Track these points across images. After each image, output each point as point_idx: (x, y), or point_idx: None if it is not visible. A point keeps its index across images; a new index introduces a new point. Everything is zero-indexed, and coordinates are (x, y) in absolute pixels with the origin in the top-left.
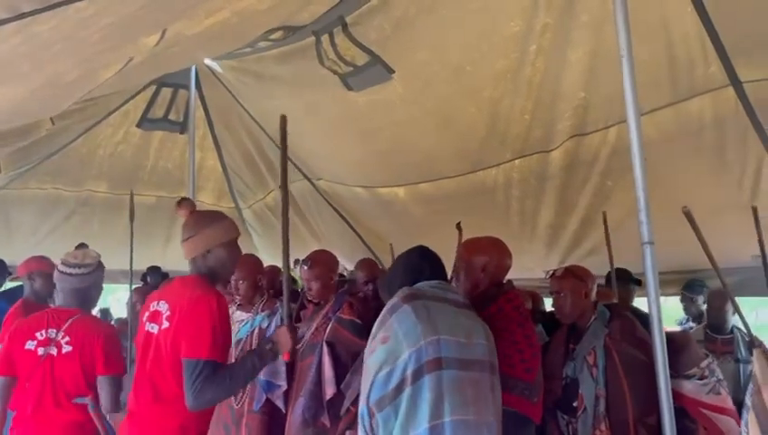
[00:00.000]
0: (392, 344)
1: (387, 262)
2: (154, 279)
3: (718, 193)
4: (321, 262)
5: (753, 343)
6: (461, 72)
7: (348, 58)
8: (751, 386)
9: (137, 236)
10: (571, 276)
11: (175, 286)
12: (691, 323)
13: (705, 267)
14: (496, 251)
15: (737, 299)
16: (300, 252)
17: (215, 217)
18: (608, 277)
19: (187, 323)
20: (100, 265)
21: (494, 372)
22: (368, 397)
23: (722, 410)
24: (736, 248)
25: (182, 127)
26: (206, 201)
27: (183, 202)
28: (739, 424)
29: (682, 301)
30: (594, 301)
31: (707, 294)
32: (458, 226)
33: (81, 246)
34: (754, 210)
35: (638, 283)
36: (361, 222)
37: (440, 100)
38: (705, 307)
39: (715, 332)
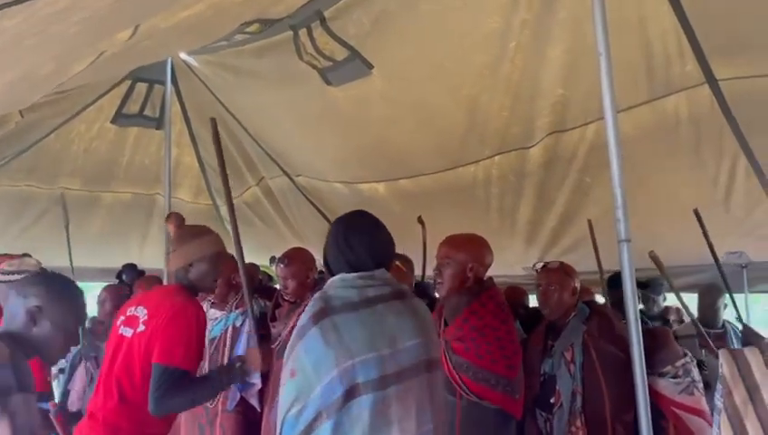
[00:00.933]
0: (300, 380)
1: None
2: (129, 277)
3: (693, 190)
4: (298, 259)
5: (748, 336)
6: (440, 69)
7: (327, 52)
8: (720, 388)
9: (113, 233)
10: (562, 271)
11: (155, 294)
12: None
13: (684, 263)
14: (480, 248)
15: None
16: (279, 249)
17: (199, 231)
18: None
19: (164, 328)
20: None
21: (432, 369)
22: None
23: (694, 411)
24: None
25: (158, 122)
26: (183, 198)
27: (172, 216)
28: (710, 424)
29: (642, 301)
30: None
31: (699, 289)
32: (420, 220)
33: (25, 256)
34: (696, 212)
35: (643, 286)
36: None
37: (419, 96)
38: (664, 306)
39: (706, 326)
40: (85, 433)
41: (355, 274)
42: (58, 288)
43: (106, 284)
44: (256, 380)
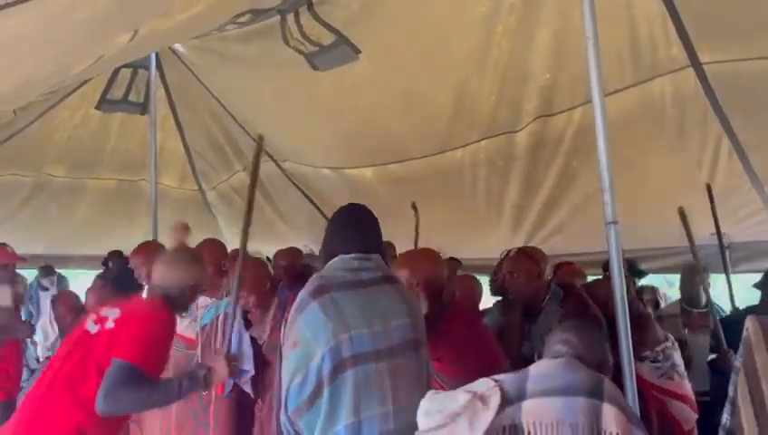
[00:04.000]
0: (303, 348)
1: None
2: (117, 266)
3: (678, 172)
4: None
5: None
6: (428, 53)
7: (313, 38)
8: (741, 348)
9: (99, 220)
10: (525, 257)
11: (132, 301)
12: None
13: (669, 245)
14: (428, 264)
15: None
16: (267, 236)
17: (193, 257)
18: (604, 267)
19: (130, 326)
20: None
21: (419, 347)
22: (285, 407)
23: (675, 396)
24: (695, 226)
25: (143, 108)
26: (169, 184)
27: (181, 227)
28: (694, 409)
29: None
30: (548, 281)
31: (682, 269)
32: (413, 206)
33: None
34: (708, 188)
35: (639, 274)
36: (329, 204)
37: (407, 80)
38: (638, 286)
39: (690, 305)
40: (18, 414)
41: (352, 255)
42: None
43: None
44: (249, 367)
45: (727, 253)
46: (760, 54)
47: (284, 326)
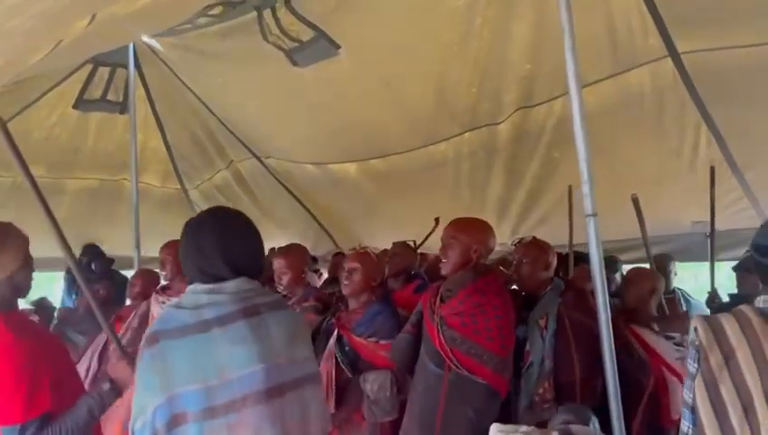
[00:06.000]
0: (139, 395)
1: (341, 240)
2: (99, 266)
3: (658, 162)
4: (293, 254)
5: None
6: (407, 47)
7: (292, 33)
8: (694, 353)
9: (79, 220)
10: (536, 246)
11: None
12: None
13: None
14: (485, 232)
15: (678, 265)
16: None
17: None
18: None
19: None
20: None
21: (281, 394)
22: None
23: (676, 375)
24: (676, 215)
25: (122, 107)
26: (151, 183)
27: None
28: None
29: None
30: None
31: (654, 258)
32: (436, 220)
33: None
34: (712, 170)
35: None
36: (313, 200)
37: (387, 75)
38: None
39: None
40: None
41: (204, 286)
42: None
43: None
44: None
45: (708, 241)
46: (737, 43)
47: None
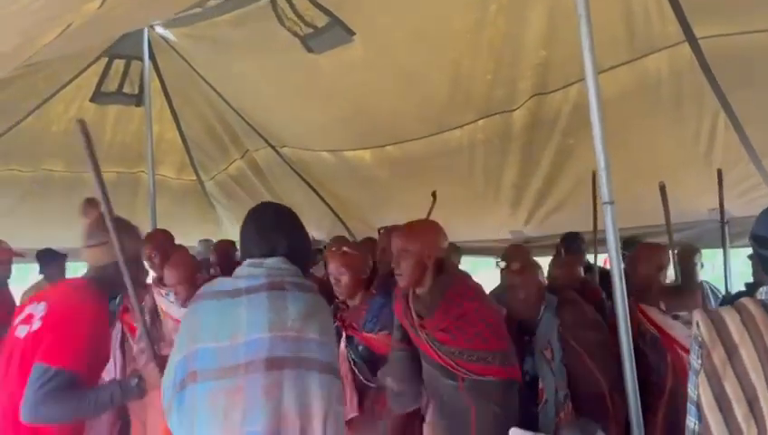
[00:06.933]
0: (172, 353)
1: (355, 229)
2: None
3: (675, 149)
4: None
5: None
6: (422, 34)
7: (308, 19)
8: (697, 348)
9: None
10: (529, 271)
11: (60, 288)
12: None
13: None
14: (434, 235)
15: None
16: None
17: (130, 229)
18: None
19: (54, 325)
20: None
21: (276, 367)
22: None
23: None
24: (693, 202)
25: (138, 99)
26: (167, 175)
27: (90, 203)
28: None
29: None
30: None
31: (678, 250)
32: (433, 194)
33: None
34: (719, 173)
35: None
36: (328, 189)
37: (402, 61)
38: None
39: (683, 287)
40: None
41: (248, 261)
42: None
43: None
44: None
45: (726, 228)
46: (756, 28)
47: None
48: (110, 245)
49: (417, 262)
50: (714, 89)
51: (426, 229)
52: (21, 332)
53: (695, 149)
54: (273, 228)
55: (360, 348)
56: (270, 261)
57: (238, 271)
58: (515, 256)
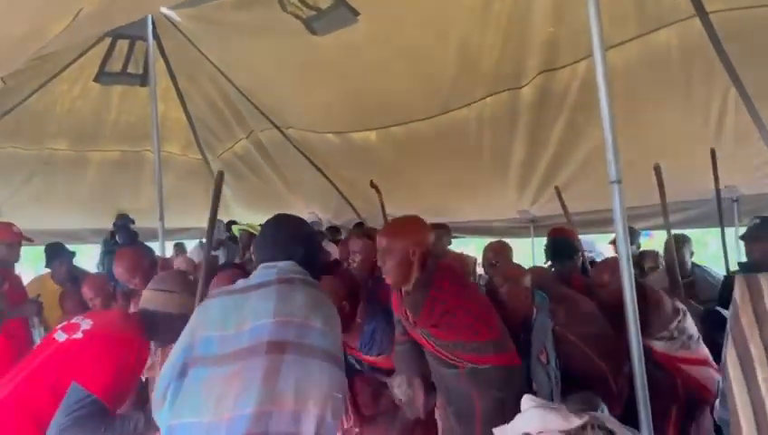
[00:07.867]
0: (181, 335)
1: (362, 209)
2: (123, 238)
3: (684, 126)
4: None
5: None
6: (427, 11)
7: (310, 2)
8: (731, 311)
9: (103, 192)
10: (512, 282)
11: (110, 315)
12: None
13: (676, 199)
14: (418, 230)
15: (703, 230)
16: (274, 205)
17: (188, 288)
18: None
19: (100, 350)
20: None
21: (278, 351)
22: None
23: (696, 362)
24: (702, 180)
25: (142, 79)
26: (172, 151)
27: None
28: (716, 370)
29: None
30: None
31: (666, 240)
32: (372, 184)
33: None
34: (712, 152)
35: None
36: (334, 170)
37: (408, 40)
38: (639, 252)
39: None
40: None
41: (263, 264)
42: None
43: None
44: None
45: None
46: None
47: None
48: (173, 298)
49: (401, 260)
50: (724, 64)
51: (408, 226)
52: (60, 337)
53: (704, 127)
54: (289, 240)
55: (365, 365)
56: (282, 264)
57: (253, 273)
58: (496, 257)
